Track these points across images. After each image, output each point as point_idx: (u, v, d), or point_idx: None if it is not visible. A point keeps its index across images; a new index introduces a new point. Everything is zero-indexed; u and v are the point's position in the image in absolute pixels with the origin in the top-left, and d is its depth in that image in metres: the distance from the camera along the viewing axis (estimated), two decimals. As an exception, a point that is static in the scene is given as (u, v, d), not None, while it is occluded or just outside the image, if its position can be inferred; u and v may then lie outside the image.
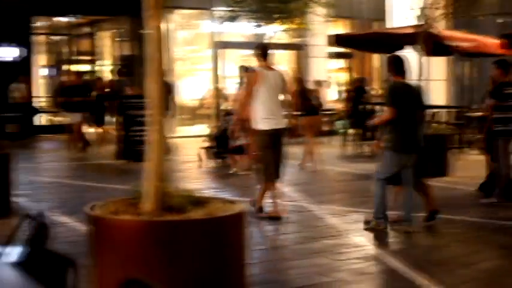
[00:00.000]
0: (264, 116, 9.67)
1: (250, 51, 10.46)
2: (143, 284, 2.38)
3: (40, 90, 26.39)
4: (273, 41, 20.71)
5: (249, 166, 14.15)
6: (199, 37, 26.89)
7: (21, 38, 24.13)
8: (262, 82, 9.66)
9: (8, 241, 3.52)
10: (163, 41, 5.28)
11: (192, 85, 26.28)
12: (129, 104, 16.31)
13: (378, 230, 8.86)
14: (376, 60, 28.47)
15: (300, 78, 16.91)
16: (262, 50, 9.98)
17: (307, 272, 7.01)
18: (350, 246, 8.27)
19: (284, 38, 23.66)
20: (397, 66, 9.09)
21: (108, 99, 17.78)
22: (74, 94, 17.11)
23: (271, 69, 9.99)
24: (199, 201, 5.25)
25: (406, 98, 8.88)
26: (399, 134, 8.84)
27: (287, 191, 11.97)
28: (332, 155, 18.00)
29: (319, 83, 23.12)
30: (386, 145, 8.98)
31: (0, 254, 3.28)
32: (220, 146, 15.27)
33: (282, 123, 9.83)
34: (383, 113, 9.15)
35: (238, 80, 16.69)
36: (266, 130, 9.66)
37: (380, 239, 8.60)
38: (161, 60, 5.19)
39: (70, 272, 2.70)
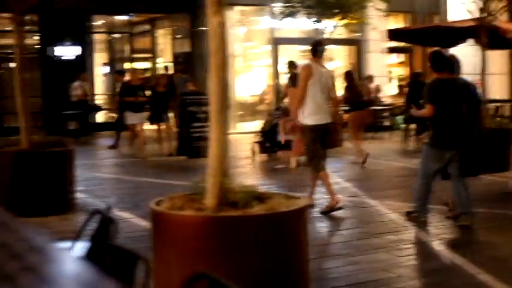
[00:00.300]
0: (311, 111, 9.79)
1: (308, 47, 10.48)
2: (211, 279, 2.38)
3: (99, 88, 26.74)
4: (331, 36, 20.66)
5: (296, 161, 14.24)
6: (258, 33, 26.92)
7: (81, 36, 24.48)
8: (313, 78, 9.75)
9: (77, 236, 3.57)
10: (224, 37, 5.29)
11: (250, 81, 26.34)
12: (188, 100, 16.42)
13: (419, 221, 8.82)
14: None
15: (349, 73, 16.80)
16: (316, 47, 10.07)
17: (369, 268, 6.97)
18: (411, 242, 8.23)
19: (342, 33, 23.52)
20: (437, 63, 8.97)
21: (168, 96, 17.91)
22: (137, 94, 17.24)
23: (323, 66, 10.13)
24: (261, 197, 5.25)
25: (447, 94, 8.73)
26: (438, 129, 8.77)
27: (346, 187, 11.95)
28: (392, 150, 17.90)
29: (369, 77, 23.03)
30: (427, 140, 8.95)
31: (69, 249, 3.33)
32: (270, 140, 15.47)
33: (328, 119, 9.89)
34: (424, 110, 9.03)
35: (288, 75, 16.77)
36: (313, 125, 9.77)
37: (441, 234, 8.50)
38: (224, 57, 5.20)
39: (138, 267, 2.72)
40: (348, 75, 16.31)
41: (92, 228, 3.59)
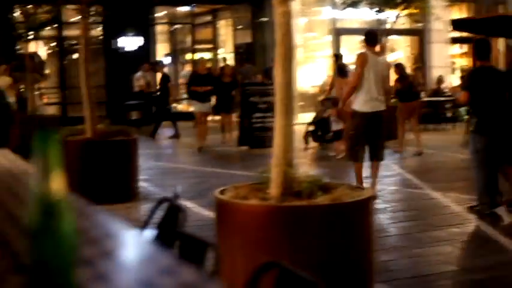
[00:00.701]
0: (363, 99, 9.77)
1: (363, 37, 10.44)
2: (282, 267, 2.41)
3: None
4: (394, 26, 20.48)
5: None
6: (320, 23, 26.81)
7: (144, 27, 24.71)
8: (368, 66, 9.73)
9: (145, 223, 3.63)
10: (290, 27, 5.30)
11: (311, 72, 26.27)
12: (250, 91, 16.47)
13: (482, 213, 8.68)
14: (501, 44, 27.68)
15: (399, 65, 16.74)
16: (371, 36, 10.05)
17: (432, 260, 6.92)
18: (474, 235, 8.13)
19: (405, 23, 23.28)
20: (479, 51, 8.92)
21: (233, 86, 18.03)
22: (204, 83, 17.26)
23: (378, 56, 10.13)
24: (326, 187, 5.26)
25: (485, 82, 8.63)
26: (480, 116, 8.68)
27: (409, 178, 11.88)
28: (454, 141, 17.68)
29: (418, 68, 22.86)
30: (472, 128, 8.90)
31: (138, 236, 3.38)
32: (322, 130, 15.56)
33: (379, 107, 9.84)
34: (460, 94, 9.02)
35: (335, 67, 16.75)
36: (364, 112, 9.75)
37: (505, 227, 8.38)
38: (289, 46, 5.22)
39: (208, 255, 2.76)
40: (399, 67, 16.33)
41: (158, 216, 3.65)
